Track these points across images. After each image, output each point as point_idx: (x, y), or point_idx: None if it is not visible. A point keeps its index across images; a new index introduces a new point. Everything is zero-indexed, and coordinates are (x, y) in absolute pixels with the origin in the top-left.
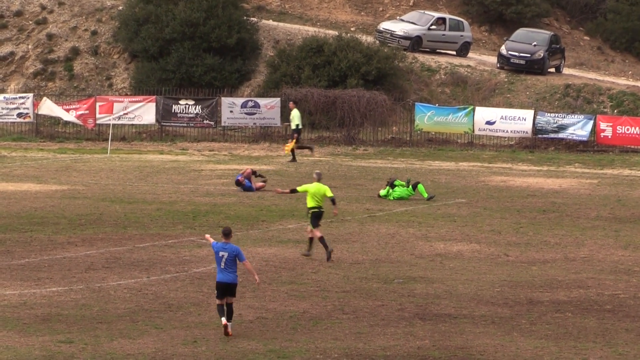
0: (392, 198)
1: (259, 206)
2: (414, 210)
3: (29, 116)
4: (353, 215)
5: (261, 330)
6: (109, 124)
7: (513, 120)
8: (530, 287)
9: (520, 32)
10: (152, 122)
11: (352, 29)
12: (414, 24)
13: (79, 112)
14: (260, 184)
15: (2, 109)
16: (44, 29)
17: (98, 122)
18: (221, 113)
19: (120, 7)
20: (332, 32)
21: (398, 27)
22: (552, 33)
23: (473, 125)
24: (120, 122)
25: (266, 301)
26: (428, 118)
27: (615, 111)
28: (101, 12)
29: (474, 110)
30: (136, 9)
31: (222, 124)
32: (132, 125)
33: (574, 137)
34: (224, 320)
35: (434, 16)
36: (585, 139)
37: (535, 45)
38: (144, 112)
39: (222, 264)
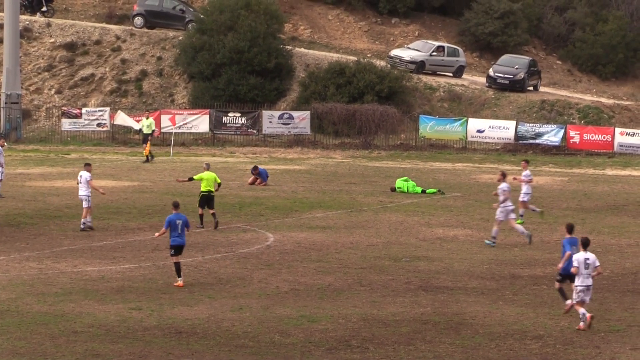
0: (405, 190)
1: (293, 199)
2: (419, 202)
3: (106, 126)
4: (369, 206)
5: (294, 299)
6: (172, 132)
7: (499, 129)
8: (513, 264)
9: (505, 58)
10: (206, 130)
11: (368, 55)
12: (419, 51)
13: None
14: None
15: (84, 120)
16: (119, 55)
17: (162, 130)
18: (262, 123)
19: (181, 37)
20: (352, 58)
21: (406, 53)
22: (531, 58)
23: (466, 133)
24: (180, 130)
25: (298, 276)
26: (430, 127)
27: (582, 122)
28: (165, 41)
29: (467, 121)
30: (193, 39)
31: (263, 132)
32: (190, 133)
33: (549, 143)
34: (180, 281)
35: (434, 44)
36: (557, 144)
37: (517, 68)
38: (200, 122)
39: (179, 229)
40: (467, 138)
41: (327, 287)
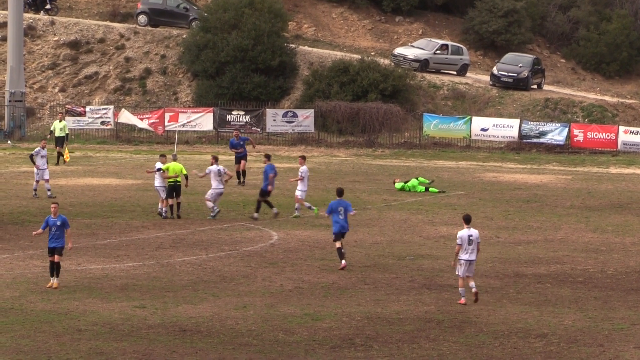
0: (407, 189)
1: None
2: (422, 200)
3: (110, 124)
4: (373, 204)
5: (298, 298)
6: (175, 130)
7: (503, 128)
8: (517, 263)
9: (509, 56)
10: (210, 128)
11: (372, 53)
12: (423, 49)
13: (151, 121)
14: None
15: (89, 118)
16: (123, 53)
17: (166, 128)
18: (266, 121)
19: (185, 36)
20: (356, 56)
21: (409, 52)
22: (535, 57)
23: (470, 132)
24: (184, 129)
25: (302, 274)
26: (434, 126)
27: (586, 120)
28: (169, 39)
29: (471, 119)
30: (197, 37)
31: (267, 130)
32: (194, 131)
33: (553, 141)
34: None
35: (438, 43)
36: (561, 143)
37: (520, 66)
38: (204, 120)
39: (56, 231)
40: (471, 136)
41: (331, 285)
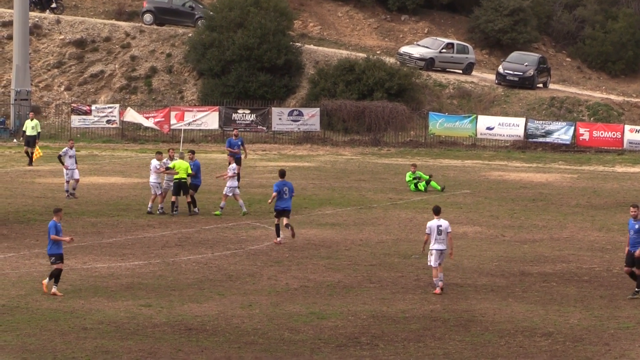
0: (413, 188)
1: (302, 195)
2: (428, 199)
3: (116, 123)
4: (378, 203)
5: (304, 296)
6: (181, 129)
7: (508, 126)
8: (522, 261)
9: (515, 55)
10: (216, 127)
11: (377, 52)
12: (428, 48)
13: (157, 120)
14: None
15: (94, 116)
16: (128, 51)
17: (172, 127)
18: (272, 120)
19: (190, 34)
20: (362, 55)
21: (415, 50)
22: (540, 55)
23: (476, 130)
24: (190, 127)
25: (308, 273)
26: (439, 124)
27: (592, 119)
28: (174, 38)
29: (476, 118)
30: (203, 35)
31: (273, 129)
32: (200, 130)
33: (558, 140)
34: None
35: (444, 42)
36: (567, 142)
37: (526, 65)
38: (209, 119)
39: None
40: (476, 135)
41: (336, 284)
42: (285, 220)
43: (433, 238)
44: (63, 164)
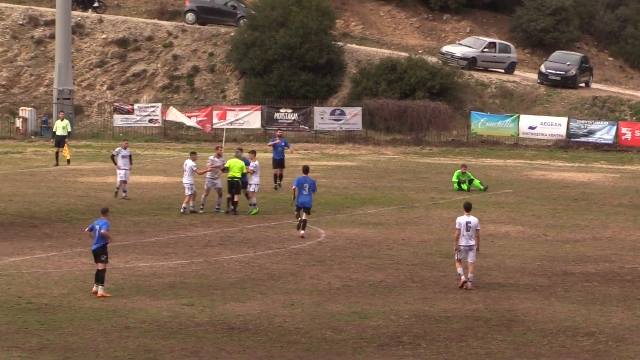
0: (457, 187)
1: (344, 195)
2: (470, 198)
3: (158, 122)
4: (420, 202)
5: (346, 296)
6: (223, 128)
7: (550, 126)
8: (565, 261)
9: (557, 54)
10: (258, 126)
11: (419, 51)
12: (470, 47)
13: (199, 119)
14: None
15: (136, 115)
16: (170, 51)
17: (214, 126)
18: (314, 119)
19: (232, 34)
20: (404, 54)
21: (457, 49)
22: (583, 55)
23: (518, 130)
24: (232, 126)
25: (350, 272)
26: (481, 124)
27: (634, 118)
28: (217, 37)
29: (518, 117)
30: (245, 34)
31: (315, 128)
32: (242, 129)
33: (601, 140)
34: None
35: (486, 41)
36: (609, 141)
37: (568, 64)
38: (251, 118)
39: (96, 234)
40: (518, 134)
41: (378, 283)
42: (304, 215)
43: (461, 234)
44: (116, 163)
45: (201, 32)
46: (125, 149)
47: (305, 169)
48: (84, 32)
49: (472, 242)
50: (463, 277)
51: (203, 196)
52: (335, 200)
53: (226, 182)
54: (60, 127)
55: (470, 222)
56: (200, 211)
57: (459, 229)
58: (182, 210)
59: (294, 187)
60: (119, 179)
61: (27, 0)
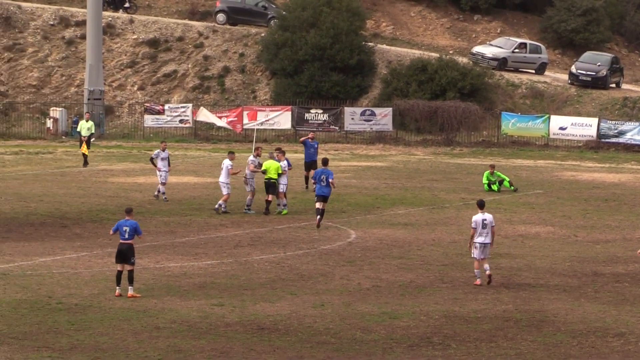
0: (487, 188)
1: (374, 195)
2: (500, 199)
3: (189, 122)
4: (451, 203)
5: (376, 296)
6: (254, 129)
7: (581, 127)
8: (595, 262)
9: (587, 55)
10: (288, 127)
11: (450, 51)
12: (501, 48)
13: (229, 119)
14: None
15: (167, 116)
16: (201, 51)
17: (245, 127)
18: (344, 120)
19: (263, 34)
20: (434, 54)
21: (488, 50)
22: (613, 55)
23: (548, 130)
24: (262, 127)
25: (380, 272)
26: (512, 124)
27: None
28: (247, 37)
29: (549, 118)
30: (276, 35)
31: (345, 129)
32: (272, 129)
33: (632, 141)
34: (118, 290)
35: (517, 42)
36: None
37: (599, 65)
38: (282, 119)
39: (126, 234)
40: (549, 135)
41: (408, 283)
42: (322, 205)
43: (477, 231)
44: (155, 165)
45: (232, 32)
46: (163, 150)
47: (324, 161)
48: (114, 32)
49: (489, 240)
50: (479, 280)
51: (249, 197)
52: (365, 200)
53: (262, 183)
54: (85, 127)
55: (485, 220)
56: (252, 212)
57: (475, 228)
58: (216, 206)
59: (312, 180)
60: (160, 180)
61: (58, 0)
